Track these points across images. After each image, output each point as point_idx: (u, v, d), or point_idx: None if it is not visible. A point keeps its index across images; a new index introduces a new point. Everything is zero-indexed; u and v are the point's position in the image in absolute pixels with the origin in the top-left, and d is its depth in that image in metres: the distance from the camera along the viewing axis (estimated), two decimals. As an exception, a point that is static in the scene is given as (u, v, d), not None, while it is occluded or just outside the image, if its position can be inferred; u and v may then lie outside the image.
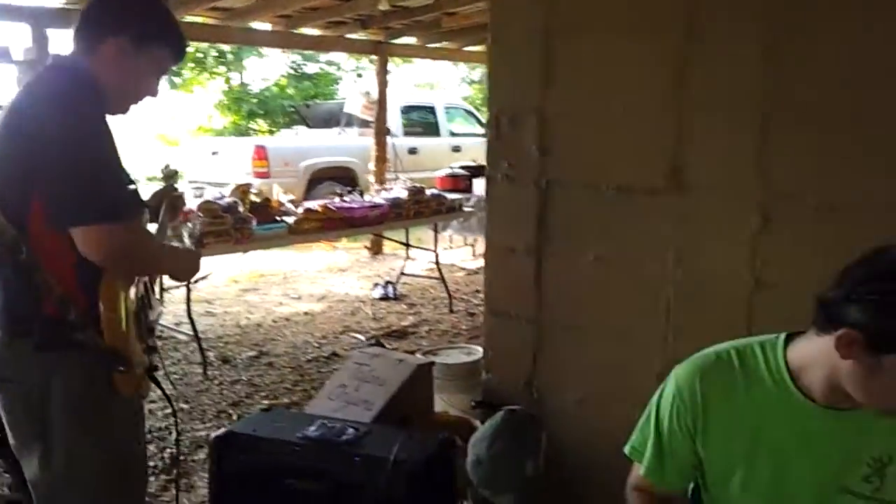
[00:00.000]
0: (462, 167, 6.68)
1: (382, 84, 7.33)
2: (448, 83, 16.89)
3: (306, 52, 13.09)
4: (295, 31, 6.30)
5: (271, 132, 13.35)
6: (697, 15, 1.95)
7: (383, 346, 3.70)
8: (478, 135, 10.50)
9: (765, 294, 1.95)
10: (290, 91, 14.65)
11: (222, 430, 2.11)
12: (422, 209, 5.28)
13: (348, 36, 6.72)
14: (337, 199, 4.95)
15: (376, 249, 7.38)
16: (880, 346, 1.15)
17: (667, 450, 1.46)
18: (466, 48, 7.83)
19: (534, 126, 2.24)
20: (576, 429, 2.26)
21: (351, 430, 2.05)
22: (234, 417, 3.46)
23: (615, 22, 2.09)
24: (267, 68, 15.26)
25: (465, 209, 5.89)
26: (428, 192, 5.47)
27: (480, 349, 3.63)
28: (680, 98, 1.99)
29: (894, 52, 1.74)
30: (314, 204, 4.76)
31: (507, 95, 2.30)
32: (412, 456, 2.02)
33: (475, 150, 9.61)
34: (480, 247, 7.18)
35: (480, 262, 6.95)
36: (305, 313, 5.31)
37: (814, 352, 1.27)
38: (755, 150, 1.91)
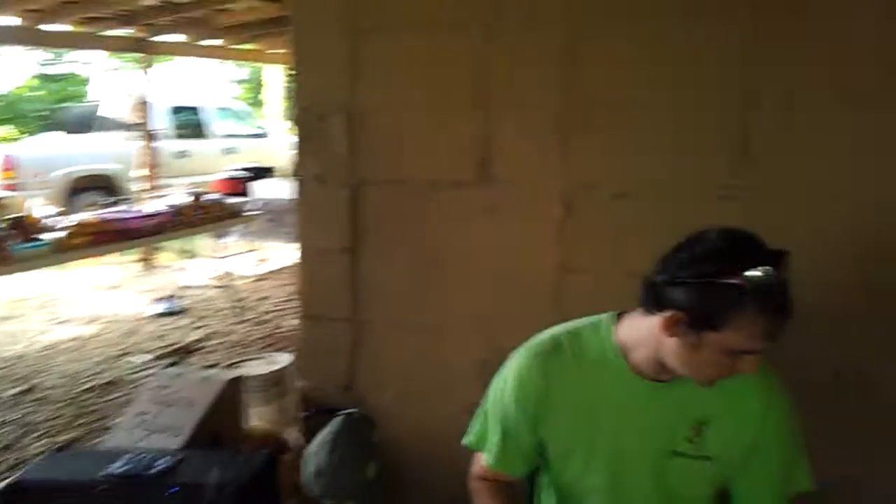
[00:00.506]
0: (242, 169, 6.42)
1: (146, 84, 6.82)
2: (216, 83, 16.19)
3: (57, 49, 11.83)
4: (45, 28, 5.65)
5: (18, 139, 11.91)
6: (499, 15, 2.02)
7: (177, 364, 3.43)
8: (252, 136, 10.18)
9: (570, 278, 2.08)
10: (41, 93, 13.18)
11: (8, 479, 1.83)
12: (203, 216, 4.98)
13: (107, 33, 6.17)
14: (105, 210, 4.51)
15: (150, 262, 6.85)
16: (701, 325, 1.25)
17: (512, 438, 1.49)
18: (237, 46, 7.52)
19: (342, 124, 2.20)
20: (397, 427, 2.25)
21: (162, 461, 1.88)
22: (13, 464, 3.03)
23: (420, 19, 2.11)
24: (13, 68, 13.61)
25: (248, 213, 5.67)
26: (205, 197, 5.17)
27: (284, 357, 3.51)
28: (485, 95, 2.06)
29: (680, 55, 1.92)
30: (84, 216, 4.29)
31: (314, 93, 2.23)
32: (235, 478, 1.91)
33: (250, 153, 9.32)
34: (265, 252, 6.97)
35: (266, 268, 6.74)
36: (74, 339, 4.79)
37: (641, 331, 1.36)
38: (556, 144, 2.02)
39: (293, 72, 2.29)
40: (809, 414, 1.46)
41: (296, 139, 2.29)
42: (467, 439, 1.60)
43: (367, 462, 2.05)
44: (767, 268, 1.21)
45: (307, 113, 2.26)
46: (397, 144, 2.18)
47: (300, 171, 2.29)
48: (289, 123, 16.04)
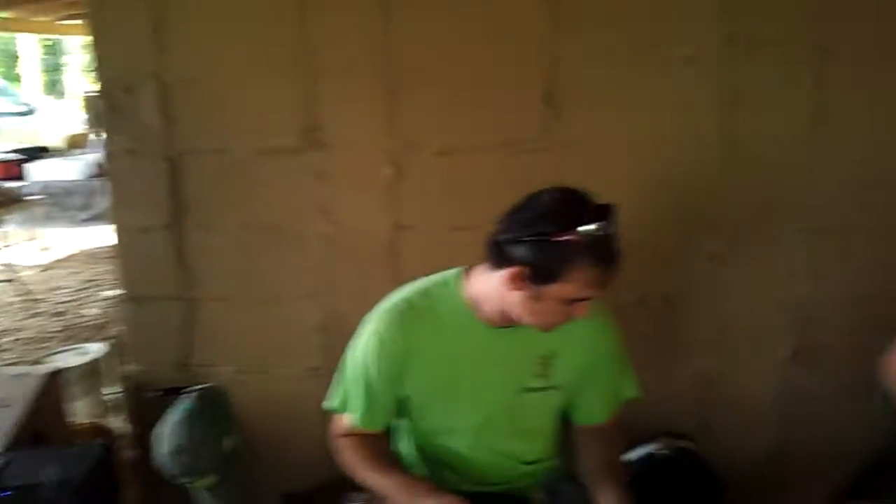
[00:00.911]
0: (14, 150, 5.80)
1: None
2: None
3: None
4: None
5: None
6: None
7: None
8: (15, 113, 9.18)
9: (405, 235, 2.16)
10: None
11: None
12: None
13: None
14: None
15: None
16: (541, 278, 1.39)
17: (376, 397, 1.57)
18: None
19: (153, 95, 2.09)
20: (242, 398, 2.23)
21: (-15, 467, 1.75)
22: None
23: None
24: None
25: (27, 198, 5.17)
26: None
27: (96, 346, 3.31)
28: (307, 58, 2.05)
29: (489, 16, 2.02)
30: None
31: (117, 64, 2.09)
32: (73, 473, 1.82)
33: (15, 132, 8.40)
34: (48, 239, 6.38)
35: (52, 257, 6.19)
36: None
37: (489, 285, 1.48)
38: (381, 106, 2.07)
39: (91, 41, 2.13)
40: (628, 332, 1.68)
41: (104, 114, 2.14)
42: (330, 404, 1.65)
43: (225, 435, 2.02)
44: (598, 223, 1.34)
45: (111, 85, 2.11)
46: (217, 112, 2.11)
47: (111, 146, 2.15)
48: (60, 97, 14.60)
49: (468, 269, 1.57)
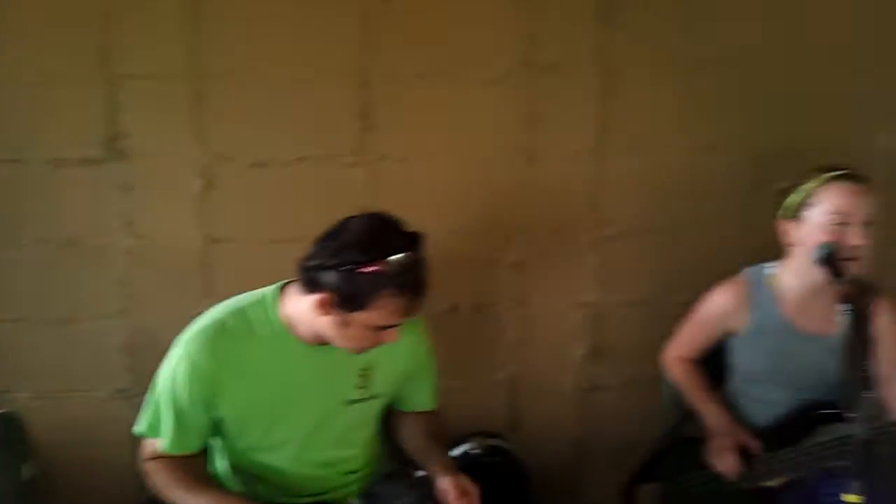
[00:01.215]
0: None
1: None
2: None
3: None
4: None
5: None
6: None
7: None
8: None
9: (216, 249, 2.12)
10: None
11: None
12: None
13: None
14: None
15: None
16: (348, 306, 1.43)
17: (187, 421, 1.54)
18: None
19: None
20: (41, 426, 2.08)
21: None
22: None
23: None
24: None
25: None
26: None
27: None
28: (107, 65, 1.96)
29: (303, 33, 2.04)
30: None
31: None
32: None
33: None
34: None
35: None
36: None
37: (302, 308, 1.50)
38: (192, 115, 2.02)
39: None
40: (441, 339, 1.79)
41: None
42: (139, 428, 1.59)
43: (21, 463, 1.87)
44: (404, 254, 1.39)
45: None
46: (9, 121, 1.96)
47: None
48: None
49: (284, 287, 1.57)
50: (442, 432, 1.81)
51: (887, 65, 2.24)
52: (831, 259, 1.62)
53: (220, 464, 1.68)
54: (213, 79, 2.02)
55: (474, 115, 2.16)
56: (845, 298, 1.53)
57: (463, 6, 2.09)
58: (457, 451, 2.24)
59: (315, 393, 1.59)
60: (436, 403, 1.82)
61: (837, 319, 1.76)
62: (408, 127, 2.14)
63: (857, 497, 1.33)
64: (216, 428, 1.60)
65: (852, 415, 1.36)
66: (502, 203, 2.22)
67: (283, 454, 1.63)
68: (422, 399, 1.80)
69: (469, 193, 2.20)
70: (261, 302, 1.56)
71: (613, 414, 2.42)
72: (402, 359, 1.68)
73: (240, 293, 1.62)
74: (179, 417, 1.53)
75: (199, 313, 1.60)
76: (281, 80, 2.05)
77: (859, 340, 1.45)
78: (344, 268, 1.40)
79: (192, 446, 1.58)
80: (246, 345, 1.52)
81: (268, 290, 1.58)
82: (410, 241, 1.43)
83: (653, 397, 2.21)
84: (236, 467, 1.67)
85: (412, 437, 1.75)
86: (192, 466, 1.58)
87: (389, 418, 1.82)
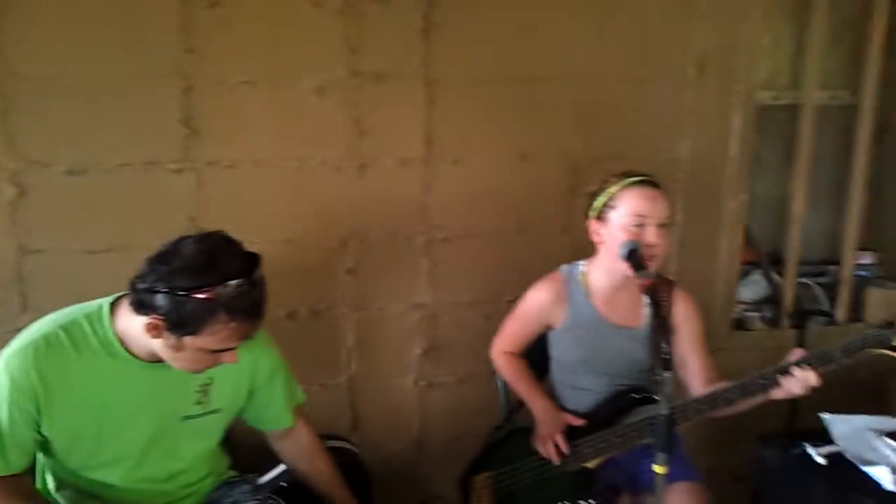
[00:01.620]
0: None
1: None
2: None
3: None
4: None
5: None
6: None
7: None
8: None
9: (33, 259, 2.00)
10: None
11: None
12: None
13: None
14: None
15: None
16: (180, 331, 1.40)
17: (9, 439, 1.45)
18: None
19: None
20: None
21: None
22: None
23: None
24: None
25: None
26: None
27: None
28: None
29: (122, 39, 1.97)
30: None
31: None
32: None
33: None
34: None
35: None
36: None
37: (134, 328, 1.45)
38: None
39: None
40: (281, 346, 1.77)
41: None
42: None
43: None
44: (237, 281, 1.37)
45: None
46: None
47: None
48: None
49: (118, 300, 1.52)
50: (323, 449, 1.86)
51: (675, 87, 2.46)
52: (633, 256, 1.78)
53: (49, 481, 1.60)
54: (23, 81, 1.92)
55: (304, 122, 2.18)
56: (647, 291, 1.68)
57: (289, 14, 2.11)
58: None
59: (150, 409, 1.54)
60: (293, 420, 1.80)
61: (642, 311, 1.95)
62: (235, 134, 2.13)
63: (663, 467, 1.48)
64: (44, 446, 1.52)
65: (657, 396, 1.50)
66: (335, 210, 2.26)
67: (116, 471, 1.57)
68: (274, 415, 1.77)
69: (302, 201, 2.22)
70: (92, 315, 1.50)
71: (450, 409, 2.52)
72: (244, 374, 1.66)
73: (61, 307, 1.55)
74: (2, 437, 1.44)
75: (19, 329, 1.52)
76: (98, 83, 1.98)
77: (659, 328, 1.61)
78: (175, 293, 1.36)
79: (16, 466, 1.48)
80: (74, 360, 1.46)
81: (100, 303, 1.52)
82: (246, 264, 1.41)
83: (487, 391, 2.33)
84: (65, 485, 1.59)
85: (300, 465, 1.78)
86: (18, 486, 1.50)
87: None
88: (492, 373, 2.24)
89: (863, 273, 2.84)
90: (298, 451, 1.82)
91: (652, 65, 2.42)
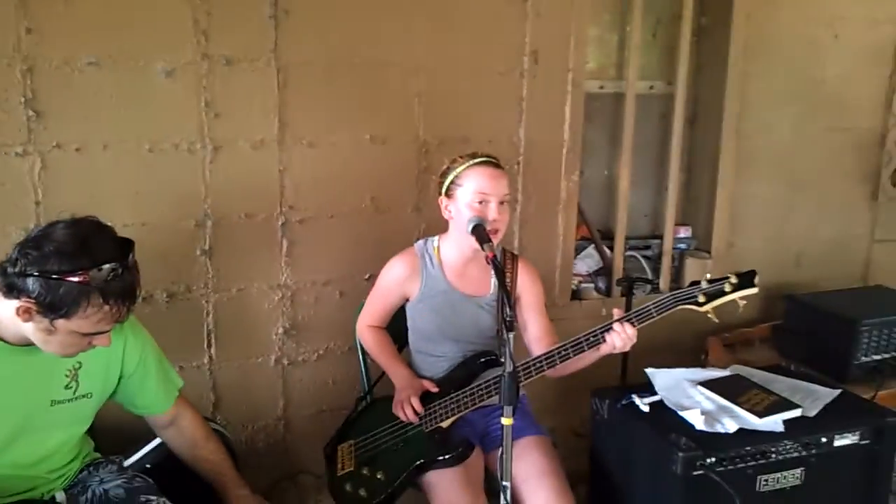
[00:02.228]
0: None
1: None
2: None
3: None
4: None
5: None
6: None
7: None
8: None
9: None
10: None
11: None
12: None
13: None
14: None
15: None
16: (52, 314, 1.40)
17: None
18: None
19: None
20: None
21: None
22: None
23: None
24: None
25: None
26: None
27: None
28: None
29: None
30: None
31: None
32: None
33: None
34: None
35: None
36: None
37: (6, 312, 1.44)
38: None
39: None
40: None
41: None
42: None
43: None
44: (111, 265, 1.40)
45: None
46: None
47: None
48: None
49: None
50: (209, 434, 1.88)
51: (513, 77, 2.64)
52: (478, 230, 1.94)
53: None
54: None
55: (154, 105, 2.18)
56: (491, 262, 1.84)
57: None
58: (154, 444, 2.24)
59: (17, 394, 1.53)
60: (171, 405, 1.82)
61: (490, 282, 2.12)
62: (82, 116, 2.09)
63: (510, 419, 1.64)
64: None
65: (503, 359, 1.65)
66: (189, 192, 2.27)
67: None
68: (150, 399, 1.78)
69: (154, 183, 2.22)
70: None
71: (313, 385, 2.59)
72: (114, 357, 1.66)
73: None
74: None
75: None
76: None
77: (503, 295, 1.77)
78: (47, 276, 1.37)
79: None
80: None
81: None
82: (120, 248, 1.44)
83: (349, 366, 2.43)
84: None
85: (179, 449, 1.81)
86: None
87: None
88: (352, 347, 2.34)
89: (681, 246, 3.18)
90: (184, 439, 1.84)
91: (492, 56, 2.60)
